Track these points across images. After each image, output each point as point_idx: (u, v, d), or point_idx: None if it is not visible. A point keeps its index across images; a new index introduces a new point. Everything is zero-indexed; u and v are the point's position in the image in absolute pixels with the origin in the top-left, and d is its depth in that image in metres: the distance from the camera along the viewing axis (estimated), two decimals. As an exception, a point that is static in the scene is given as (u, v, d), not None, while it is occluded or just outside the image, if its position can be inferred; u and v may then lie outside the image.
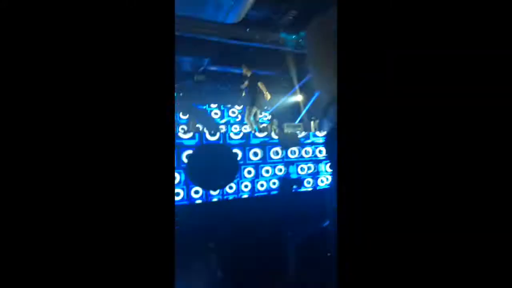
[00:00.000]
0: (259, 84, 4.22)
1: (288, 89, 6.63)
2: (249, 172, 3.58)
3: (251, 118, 4.39)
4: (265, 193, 3.65)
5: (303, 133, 4.08)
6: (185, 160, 3.10)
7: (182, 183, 3.15)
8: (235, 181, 3.42)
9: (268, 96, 4.25)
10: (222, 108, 6.01)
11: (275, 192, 3.72)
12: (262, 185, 3.64)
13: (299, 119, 6.33)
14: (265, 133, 3.77)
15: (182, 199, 3.19)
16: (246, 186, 3.55)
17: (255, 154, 3.65)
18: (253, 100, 4.30)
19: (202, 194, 3.24)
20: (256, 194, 3.57)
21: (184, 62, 5.15)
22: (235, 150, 3.44)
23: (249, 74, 4.40)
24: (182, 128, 5.22)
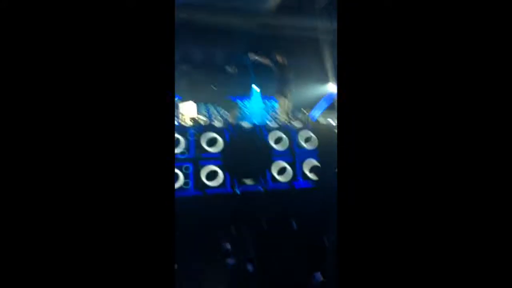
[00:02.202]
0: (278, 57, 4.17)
1: (324, 80, 6.36)
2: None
3: (284, 108, 4.29)
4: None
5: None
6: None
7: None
8: (267, 171, 3.34)
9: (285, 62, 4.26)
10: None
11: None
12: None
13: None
14: (302, 125, 3.63)
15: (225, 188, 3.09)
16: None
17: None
18: (283, 90, 4.22)
19: (235, 184, 3.20)
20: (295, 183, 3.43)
21: (216, 54, 5.17)
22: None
23: (285, 63, 4.30)
24: (216, 118, 5.30)
